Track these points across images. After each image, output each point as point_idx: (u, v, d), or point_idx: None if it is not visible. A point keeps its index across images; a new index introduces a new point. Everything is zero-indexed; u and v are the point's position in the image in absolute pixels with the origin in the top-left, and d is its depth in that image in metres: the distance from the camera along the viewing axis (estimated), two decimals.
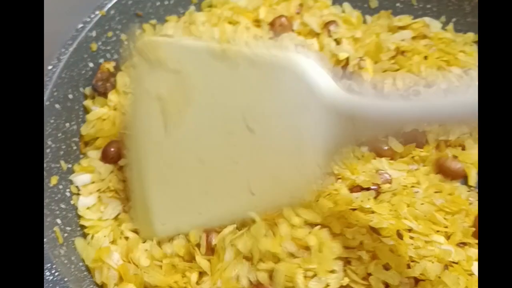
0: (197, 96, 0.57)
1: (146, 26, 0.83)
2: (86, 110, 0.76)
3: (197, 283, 0.58)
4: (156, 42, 0.60)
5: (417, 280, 0.54)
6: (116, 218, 0.68)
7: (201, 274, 0.59)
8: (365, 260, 0.54)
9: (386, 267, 0.54)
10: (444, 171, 0.66)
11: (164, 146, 0.59)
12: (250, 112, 0.56)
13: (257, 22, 0.83)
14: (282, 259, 0.55)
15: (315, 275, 0.53)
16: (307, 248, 0.55)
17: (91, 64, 0.77)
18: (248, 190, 0.57)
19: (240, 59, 0.55)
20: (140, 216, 0.64)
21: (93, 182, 0.70)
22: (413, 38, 0.79)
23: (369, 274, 0.53)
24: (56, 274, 0.57)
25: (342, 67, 0.74)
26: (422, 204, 0.60)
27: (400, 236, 0.56)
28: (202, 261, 0.58)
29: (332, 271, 0.54)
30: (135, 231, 0.65)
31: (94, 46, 0.77)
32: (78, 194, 0.69)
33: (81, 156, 0.74)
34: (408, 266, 0.54)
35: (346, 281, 0.53)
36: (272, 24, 0.81)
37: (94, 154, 0.72)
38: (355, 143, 0.52)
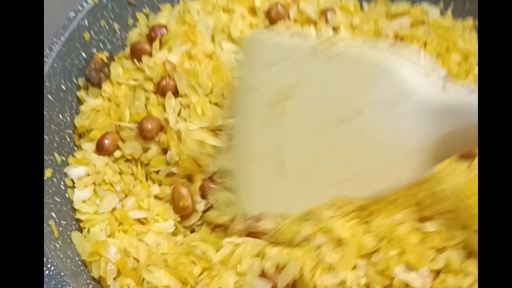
0: (296, 89, 0.60)
1: (139, 15, 0.81)
2: (80, 101, 0.74)
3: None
4: (259, 40, 0.64)
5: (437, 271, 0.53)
6: (112, 211, 0.66)
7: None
8: (391, 256, 0.53)
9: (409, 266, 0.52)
10: None
11: (264, 133, 0.62)
12: (343, 106, 0.57)
13: (253, 10, 0.82)
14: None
15: (332, 269, 0.52)
16: (338, 242, 0.54)
17: (84, 54, 0.75)
18: (334, 181, 0.57)
19: (337, 56, 0.58)
20: (241, 192, 0.65)
21: (88, 175, 0.69)
22: (411, 24, 0.78)
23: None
24: (52, 268, 0.55)
25: None
26: None
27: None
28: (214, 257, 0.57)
29: (354, 267, 0.52)
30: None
31: (86, 36, 0.75)
32: (73, 187, 0.68)
33: (75, 148, 0.72)
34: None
35: (364, 281, 0.52)
36: (268, 12, 0.80)
37: (88, 146, 0.71)
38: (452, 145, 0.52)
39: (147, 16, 0.82)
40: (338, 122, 0.57)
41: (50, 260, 0.56)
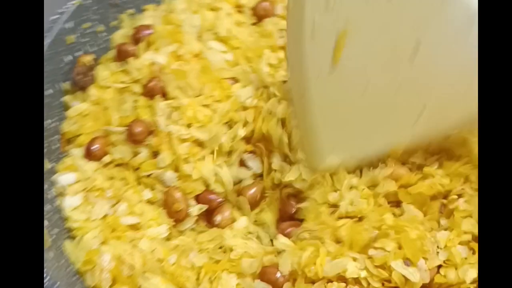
0: (355, 31, 0.57)
1: (123, 16, 0.80)
2: (66, 106, 0.73)
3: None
4: None
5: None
6: (104, 217, 0.65)
7: None
8: (389, 251, 0.53)
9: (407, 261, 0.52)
10: None
11: (326, 80, 0.60)
12: (411, 40, 0.55)
13: (239, 8, 0.81)
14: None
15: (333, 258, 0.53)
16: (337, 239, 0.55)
17: (69, 57, 0.74)
18: (408, 120, 0.57)
19: None
20: (308, 149, 0.64)
21: (78, 181, 0.67)
22: None
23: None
24: (47, 279, 0.54)
25: None
26: None
27: None
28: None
29: (354, 259, 0.53)
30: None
31: (70, 38, 0.73)
32: (63, 194, 0.66)
33: (63, 154, 0.70)
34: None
35: (363, 274, 0.52)
36: (254, 9, 0.80)
37: (77, 152, 0.69)
38: None
39: (131, 16, 0.81)
40: (407, 57, 0.55)
41: (45, 270, 0.55)
